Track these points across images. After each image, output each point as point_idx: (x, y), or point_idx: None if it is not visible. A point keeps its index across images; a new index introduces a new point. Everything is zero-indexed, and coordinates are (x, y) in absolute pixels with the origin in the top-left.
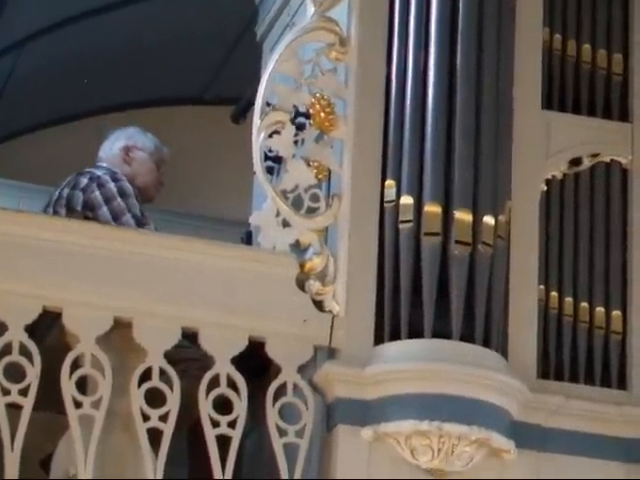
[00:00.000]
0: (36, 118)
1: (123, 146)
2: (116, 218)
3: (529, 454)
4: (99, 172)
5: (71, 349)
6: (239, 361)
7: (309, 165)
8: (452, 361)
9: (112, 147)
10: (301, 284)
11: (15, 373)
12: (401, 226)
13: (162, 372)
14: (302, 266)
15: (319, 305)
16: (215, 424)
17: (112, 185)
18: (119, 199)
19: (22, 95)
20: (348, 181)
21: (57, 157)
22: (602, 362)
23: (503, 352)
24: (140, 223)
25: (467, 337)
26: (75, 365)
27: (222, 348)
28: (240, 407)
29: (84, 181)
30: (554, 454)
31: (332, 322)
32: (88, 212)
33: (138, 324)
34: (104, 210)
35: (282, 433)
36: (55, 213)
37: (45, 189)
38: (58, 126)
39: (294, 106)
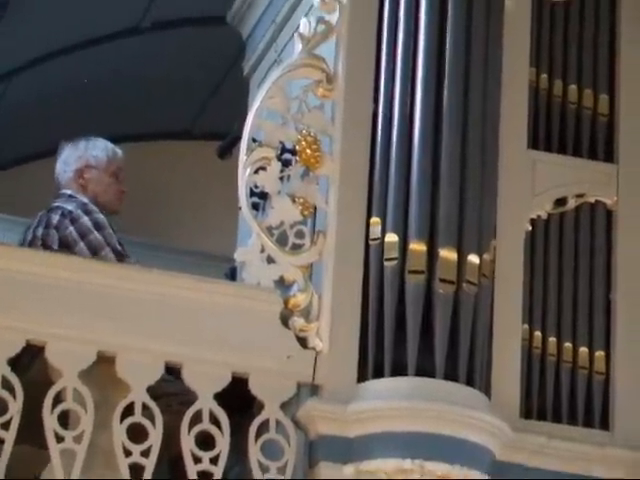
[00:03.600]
0: (23, 151)
1: (75, 169)
2: (95, 253)
3: None
4: (69, 206)
5: (54, 383)
6: (222, 397)
7: (294, 201)
8: (435, 399)
9: (65, 170)
10: (285, 320)
11: None
12: (386, 264)
13: (145, 407)
14: (286, 302)
15: (303, 342)
16: (197, 460)
17: (86, 219)
18: (95, 233)
19: (8, 127)
20: (333, 218)
21: (43, 190)
22: (585, 402)
23: (486, 391)
24: (120, 255)
25: (450, 375)
26: (57, 399)
27: (205, 383)
28: (222, 443)
29: (56, 218)
30: None
31: (315, 359)
32: (65, 250)
33: (121, 359)
34: (81, 246)
35: (264, 470)
36: None
37: (30, 222)
38: (43, 159)
39: (280, 142)
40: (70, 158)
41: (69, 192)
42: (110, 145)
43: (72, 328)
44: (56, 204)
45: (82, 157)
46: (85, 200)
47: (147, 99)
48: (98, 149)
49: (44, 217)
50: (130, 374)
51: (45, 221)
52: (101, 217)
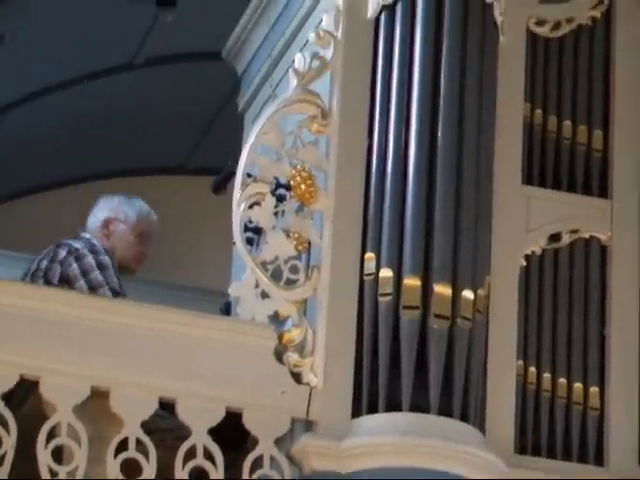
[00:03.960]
0: (17, 186)
1: (104, 219)
2: (93, 291)
3: None
4: (77, 244)
5: (48, 418)
6: (216, 432)
7: (289, 237)
8: (430, 435)
9: (95, 218)
10: (279, 356)
11: None
12: (380, 299)
13: (139, 442)
14: (280, 338)
15: (297, 377)
16: None
17: (90, 258)
18: (97, 272)
19: (2, 162)
20: (328, 253)
21: (36, 225)
22: (580, 438)
23: (481, 427)
24: (117, 295)
25: (445, 411)
26: (51, 434)
27: (199, 419)
28: (216, 478)
29: (62, 253)
30: None
31: (310, 394)
32: (65, 285)
33: (115, 394)
34: (81, 283)
35: None
36: None
37: (24, 257)
38: (39, 194)
39: (275, 177)
40: (103, 208)
41: (87, 236)
42: (146, 208)
43: (66, 363)
44: (66, 241)
45: (113, 209)
46: (95, 241)
47: (142, 134)
48: (132, 207)
49: (51, 251)
50: (124, 409)
51: (51, 255)
52: (106, 259)
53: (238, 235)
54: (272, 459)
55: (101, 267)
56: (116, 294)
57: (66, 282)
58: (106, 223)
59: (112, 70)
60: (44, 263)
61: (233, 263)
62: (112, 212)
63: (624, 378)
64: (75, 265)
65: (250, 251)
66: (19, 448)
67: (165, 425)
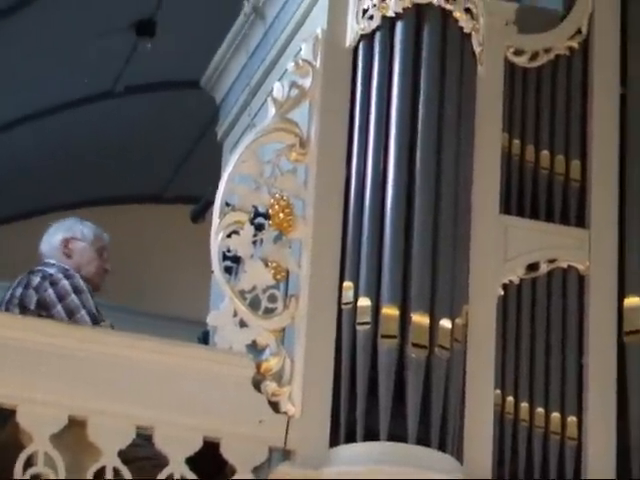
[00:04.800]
0: None
1: (62, 239)
2: (71, 315)
3: None
4: (51, 270)
5: (25, 447)
6: (193, 461)
7: (267, 265)
8: (407, 464)
9: (52, 240)
10: (257, 385)
11: None
12: (358, 328)
13: (116, 471)
14: (258, 367)
15: (275, 406)
16: None
17: (65, 282)
18: (73, 295)
19: None
20: (306, 282)
21: (14, 254)
22: (557, 468)
23: (459, 456)
24: (95, 319)
25: (423, 440)
26: (28, 463)
27: (177, 448)
28: None
29: (36, 280)
30: None
31: (287, 423)
32: (42, 311)
33: (93, 423)
34: (58, 308)
35: None
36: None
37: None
38: (14, 222)
39: (253, 206)
40: (57, 230)
41: (53, 261)
42: (98, 228)
43: (43, 392)
44: (38, 268)
45: (70, 229)
46: (67, 266)
47: (120, 163)
48: (85, 226)
49: (25, 278)
50: (101, 438)
51: (25, 282)
52: (81, 282)
53: (216, 264)
54: None
55: (77, 291)
56: (93, 318)
57: (43, 308)
58: (65, 242)
59: (92, 98)
60: (19, 291)
61: (211, 292)
62: (68, 232)
63: (602, 408)
64: (51, 290)
65: (228, 280)
66: None
67: (143, 454)
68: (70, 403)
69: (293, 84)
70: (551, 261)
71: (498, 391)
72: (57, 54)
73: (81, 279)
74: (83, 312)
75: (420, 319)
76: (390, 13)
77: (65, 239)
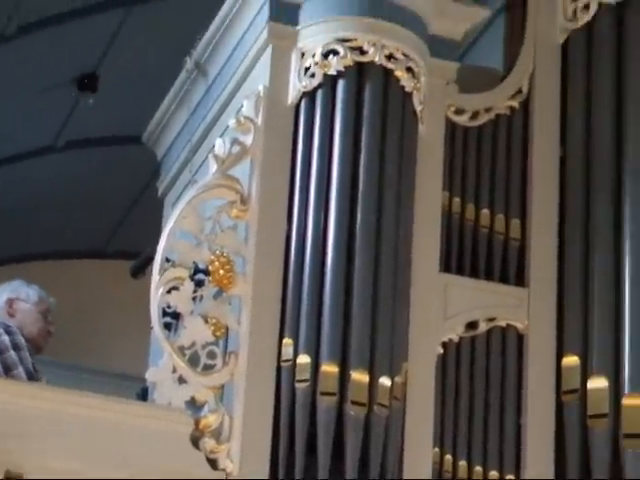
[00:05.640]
0: None
1: (6, 299)
2: (7, 370)
3: None
4: None
5: None
6: None
7: (207, 322)
8: None
9: None
10: (195, 442)
11: None
12: (297, 385)
13: None
14: (197, 423)
15: (213, 463)
16: None
17: (5, 338)
18: (12, 351)
19: None
20: (245, 339)
21: None
22: None
23: None
24: (32, 377)
25: None
26: None
27: None
28: None
29: None
30: None
31: None
32: None
33: (29, 478)
34: None
35: None
36: None
37: None
38: None
39: (194, 262)
40: (2, 291)
41: None
42: (43, 291)
43: None
44: None
45: (15, 290)
46: (10, 323)
47: (62, 218)
48: (31, 289)
49: None
50: None
51: None
52: (21, 340)
53: (156, 320)
54: None
55: (16, 347)
56: (30, 375)
57: None
58: (9, 302)
59: (33, 153)
60: None
61: (151, 348)
62: (13, 293)
63: (539, 467)
64: None
65: (168, 336)
66: None
67: None
68: (6, 458)
69: (235, 141)
70: (490, 320)
71: (437, 449)
72: (0, 108)
73: (23, 338)
74: (20, 369)
75: (359, 377)
76: (332, 71)
77: (10, 299)
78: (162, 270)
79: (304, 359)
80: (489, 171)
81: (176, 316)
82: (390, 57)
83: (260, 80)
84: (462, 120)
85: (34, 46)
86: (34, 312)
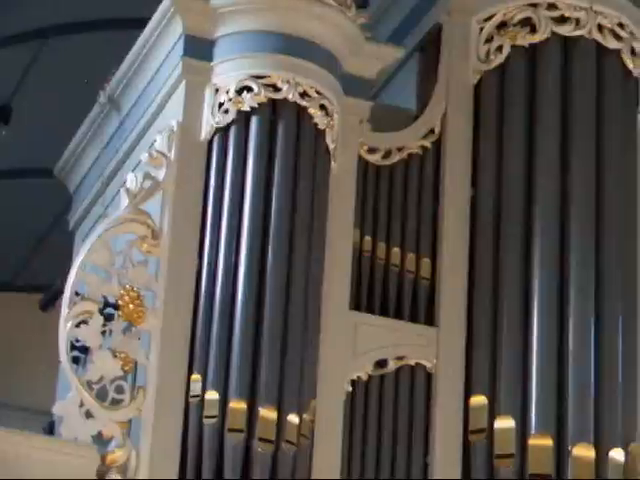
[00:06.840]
0: None
1: None
2: None
3: None
4: None
5: None
6: None
7: (116, 356)
8: None
9: None
10: (102, 476)
11: None
12: (205, 421)
13: None
14: (104, 458)
15: None
16: None
17: None
18: None
19: None
20: (154, 374)
21: None
22: None
23: None
24: None
25: None
26: None
27: None
28: None
29: None
30: None
31: None
32: None
33: None
34: None
35: None
36: None
37: None
38: None
39: (103, 296)
40: None
41: None
42: None
43: None
44: None
45: None
46: None
47: None
48: None
49: None
50: None
51: None
52: None
53: (64, 353)
54: None
55: None
56: None
57: None
58: None
59: None
60: None
61: (59, 382)
62: None
63: None
64: None
65: (76, 370)
66: None
67: None
68: None
69: (147, 175)
70: (399, 358)
71: None
72: None
73: None
74: None
75: (267, 414)
76: (245, 107)
77: None
78: (71, 304)
79: (212, 395)
80: (400, 210)
81: (85, 350)
82: (304, 94)
83: (174, 115)
84: (374, 159)
85: None
86: None
